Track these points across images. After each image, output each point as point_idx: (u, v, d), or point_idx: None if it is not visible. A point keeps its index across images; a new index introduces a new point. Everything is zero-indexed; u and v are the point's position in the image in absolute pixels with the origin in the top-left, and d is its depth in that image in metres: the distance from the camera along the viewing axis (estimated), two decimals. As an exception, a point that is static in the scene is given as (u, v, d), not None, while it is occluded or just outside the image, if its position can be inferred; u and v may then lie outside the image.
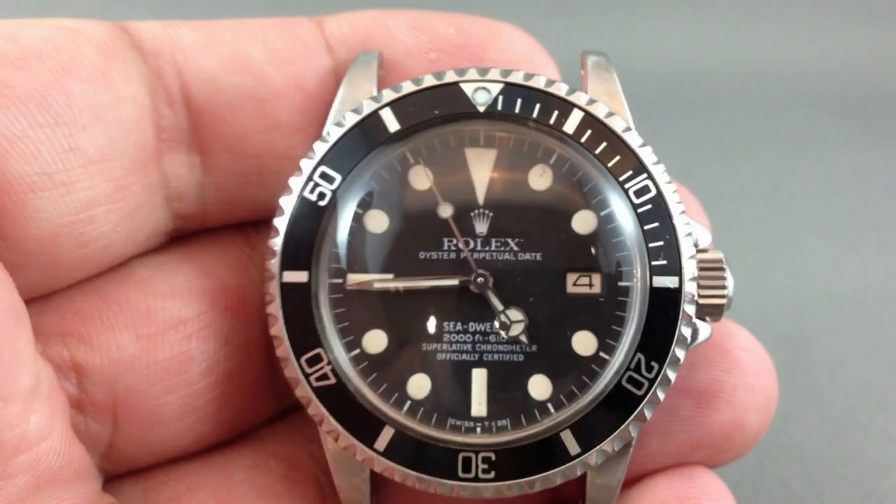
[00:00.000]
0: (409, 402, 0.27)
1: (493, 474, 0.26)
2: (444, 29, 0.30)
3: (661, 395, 0.27)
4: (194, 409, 0.29)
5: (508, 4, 0.63)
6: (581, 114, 0.28)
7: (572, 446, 0.27)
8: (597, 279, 0.28)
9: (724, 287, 0.27)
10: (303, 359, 0.27)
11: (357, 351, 0.28)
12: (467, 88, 0.29)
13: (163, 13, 0.32)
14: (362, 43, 0.30)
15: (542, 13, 0.65)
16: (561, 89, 0.29)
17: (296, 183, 0.28)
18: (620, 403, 0.27)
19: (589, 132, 0.28)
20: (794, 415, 0.42)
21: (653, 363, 0.27)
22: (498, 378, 0.28)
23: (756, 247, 0.51)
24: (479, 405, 0.27)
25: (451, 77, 0.29)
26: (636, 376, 0.27)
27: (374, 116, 0.28)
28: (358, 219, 0.28)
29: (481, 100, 0.28)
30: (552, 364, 0.28)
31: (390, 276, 0.28)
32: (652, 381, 0.27)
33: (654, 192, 0.28)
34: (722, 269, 0.28)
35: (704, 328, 0.28)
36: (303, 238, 0.28)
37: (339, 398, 0.27)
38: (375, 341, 0.28)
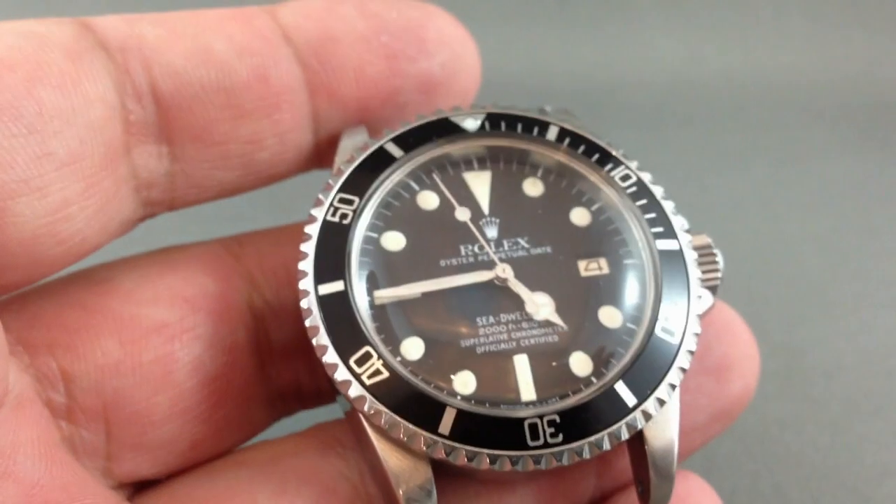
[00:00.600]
0: (458, 398, 0.28)
1: (560, 437, 0.26)
2: (387, 13, 0.32)
3: (693, 344, 0.28)
4: (184, 409, 0.29)
5: (506, 17, 0.63)
6: (557, 127, 0.33)
7: (628, 397, 0.27)
8: (604, 262, 0.31)
9: (716, 262, 0.30)
10: (351, 360, 0.27)
11: (399, 359, 0.28)
12: (457, 119, 0.33)
13: (121, 5, 0.34)
14: (317, 29, 0.31)
15: (538, 25, 0.66)
16: (536, 112, 0.33)
17: (318, 212, 0.30)
18: (660, 352, 0.28)
19: (568, 139, 0.33)
20: (791, 422, 0.42)
21: (678, 314, 0.29)
22: (539, 360, 0.28)
23: (752, 255, 0.51)
24: (527, 390, 0.28)
25: (441, 114, 0.33)
26: (667, 325, 0.28)
27: (380, 149, 0.31)
28: (376, 241, 0.30)
29: (471, 125, 0.33)
30: (587, 340, 0.29)
31: (415, 283, 0.29)
32: (683, 331, 0.28)
33: (635, 178, 0.32)
34: (713, 250, 0.31)
35: (706, 295, 0.30)
36: (332, 254, 0.29)
37: (394, 389, 0.27)
38: (413, 348, 0.28)
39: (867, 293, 0.50)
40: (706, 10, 0.68)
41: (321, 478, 0.29)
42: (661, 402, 0.27)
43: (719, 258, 0.31)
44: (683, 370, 0.28)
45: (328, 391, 0.33)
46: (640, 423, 0.27)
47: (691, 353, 0.28)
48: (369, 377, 0.27)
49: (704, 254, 0.31)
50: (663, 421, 0.28)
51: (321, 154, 0.33)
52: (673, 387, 0.28)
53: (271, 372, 0.32)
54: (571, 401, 0.27)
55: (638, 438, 0.28)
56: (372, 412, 0.26)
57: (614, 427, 0.27)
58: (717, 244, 0.31)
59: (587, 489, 0.31)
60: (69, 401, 0.28)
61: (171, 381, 0.29)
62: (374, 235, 0.30)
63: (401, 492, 0.26)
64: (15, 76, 0.26)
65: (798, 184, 0.58)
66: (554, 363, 0.28)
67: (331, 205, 0.30)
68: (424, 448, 0.26)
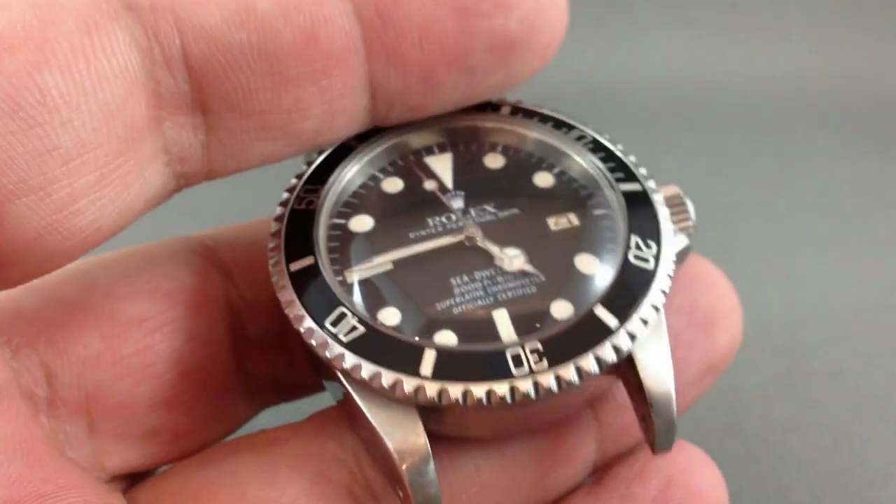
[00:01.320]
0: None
1: (545, 362, 0.26)
2: None
3: (671, 268, 0.28)
4: (165, 399, 0.29)
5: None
6: (510, 105, 0.34)
7: (609, 319, 0.27)
8: (573, 216, 0.31)
9: (686, 208, 0.31)
10: (327, 322, 0.27)
11: (377, 322, 0.28)
12: None
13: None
14: None
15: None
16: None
17: (287, 199, 0.31)
18: (637, 278, 0.28)
19: (521, 114, 0.34)
20: (794, 425, 0.42)
21: (649, 241, 0.29)
22: (519, 312, 0.28)
23: (753, 259, 0.51)
24: (508, 335, 0.27)
25: None
26: (640, 253, 0.28)
27: (342, 143, 0.33)
28: (343, 226, 0.31)
29: None
30: (566, 288, 0.29)
31: (386, 254, 0.29)
32: (657, 258, 0.28)
33: (591, 137, 0.33)
34: (682, 199, 0.32)
35: (681, 237, 0.31)
36: (301, 236, 0.29)
37: (371, 342, 0.27)
38: (390, 316, 0.28)
39: (870, 296, 0.50)
40: (708, 14, 0.68)
41: (314, 463, 0.28)
42: (645, 322, 0.27)
43: (689, 206, 0.31)
44: (665, 293, 0.28)
45: (308, 385, 0.33)
46: (627, 345, 0.26)
47: (670, 277, 0.28)
48: (346, 334, 0.27)
49: (674, 202, 0.31)
50: (655, 349, 0.27)
51: (379, 116, 0.31)
52: (656, 308, 0.27)
53: (248, 365, 0.32)
54: (553, 330, 0.27)
55: (630, 369, 0.27)
56: (351, 367, 0.26)
57: (599, 348, 0.26)
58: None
59: (588, 455, 0.30)
60: (51, 394, 0.28)
61: (151, 373, 0.29)
62: (342, 222, 0.31)
63: (390, 444, 0.25)
64: (14, 61, 0.23)
65: (800, 187, 0.58)
66: (535, 314, 0.28)
67: (297, 195, 0.31)
68: (409, 393, 0.25)
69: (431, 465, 0.25)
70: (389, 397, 0.26)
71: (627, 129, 0.63)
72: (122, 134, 0.25)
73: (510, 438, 0.29)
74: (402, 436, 0.25)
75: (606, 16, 0.68)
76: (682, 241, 0.30)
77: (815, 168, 0.59)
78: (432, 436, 0.26)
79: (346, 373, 0.26)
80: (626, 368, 0.27)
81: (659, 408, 0.27)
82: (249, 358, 0.32)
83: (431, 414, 0.26)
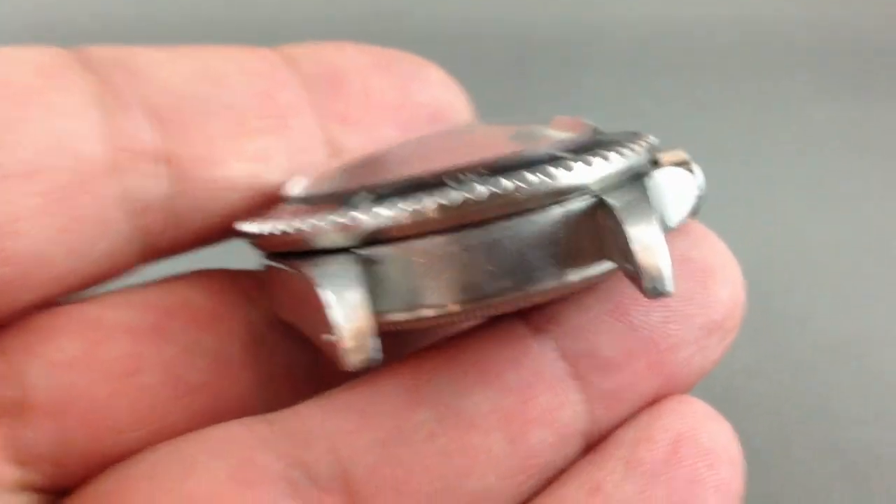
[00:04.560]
0: None
1: (490, 175, 0.22)
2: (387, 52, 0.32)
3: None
4: (151, 416, 0.27)
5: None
6: None
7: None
8: None
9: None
10: None
11: None
12: None
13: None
14: (325, 61, 0.30)
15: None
16: None
17: None
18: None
19: None
20: (759, 369, 0.42)
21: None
22: None
23: (726, 201, 0.51)
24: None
25: None
26: None
27: None
28: None
29: None
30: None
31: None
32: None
33: None
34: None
35: None
36: None
37: None
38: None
39: (843, 239, 0.50)
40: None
41: (236, 449, 0.26)
42: (606, 158, 0.23)
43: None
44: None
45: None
46: (584, 174, 0.23)
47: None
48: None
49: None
50: (634, 201, 0.23)
51: None
52: (621, 154, 0.24)
53: (269, 395, 0.29)
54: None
55: (605, 213, 0.23)
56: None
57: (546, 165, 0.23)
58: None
59: (570, 420, 0.27)
60: (17, 396, 0.26)
61: (134, 384, 0.26)
62: None
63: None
64: None
65: (779, 128, 0.57)
66: None
67: None
68: (344, 222, 0.23)
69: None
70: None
71: (601, 72, 0.62)
72: (73, 165, 0.25)
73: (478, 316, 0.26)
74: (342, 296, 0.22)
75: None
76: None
77: (792, 111, 0.59)
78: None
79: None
80: (601, 217, 0.23)
81: (638, 237, 0.22)
82: (273, 387, 0.29)
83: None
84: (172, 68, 0.28)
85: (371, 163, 0.27)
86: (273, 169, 0.28)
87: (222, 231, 0.29)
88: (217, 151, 0.28)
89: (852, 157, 0.55)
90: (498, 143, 0.26)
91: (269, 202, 0.29)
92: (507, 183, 0.22)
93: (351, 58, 0.31)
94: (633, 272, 0.23)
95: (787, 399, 0.40)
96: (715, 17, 0.65)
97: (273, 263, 0.26)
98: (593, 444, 0.27)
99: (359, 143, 0.30)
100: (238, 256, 0.32)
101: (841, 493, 0.37)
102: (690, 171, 0.28)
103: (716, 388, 0.38)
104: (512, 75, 0.58)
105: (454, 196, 0.22)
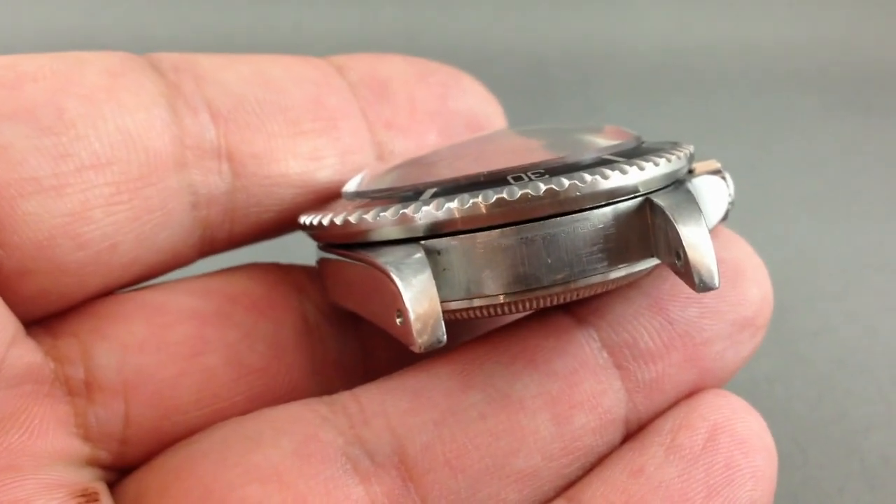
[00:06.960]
0: None
1: (548, 175, 0.24)
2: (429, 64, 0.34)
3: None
4: (214, 397, 0.28)
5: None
6: None
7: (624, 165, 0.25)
8: None
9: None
10: None
11: None
12: None
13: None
14: (369, 68, 0.32)
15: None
16: None
17: None
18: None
19: None
20: (779, 377, 0.42)
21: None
22: None
23: (740, 219, 0.52)
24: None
25: None
26: None
27: None
28: None
29: None
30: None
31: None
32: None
33: None
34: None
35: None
36: None
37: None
38: None
39: (851, 255, 0.51)
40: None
41: (300, 426, 0.27)
42: (657, 164, 0.25)
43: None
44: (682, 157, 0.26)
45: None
46: (637, 175, 0.24)
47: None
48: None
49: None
50: (681, 200, 0.25)
51: None
52: (669, 160, 0.25)
53: (322, 381, 0.31)
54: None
55: (654, 213, 0.25)
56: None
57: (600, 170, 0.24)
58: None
59: (613, 407, 0.28)
60: (88, 377, 0.27)
61: (199, 365, 0.28)
62: None
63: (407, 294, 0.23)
64: (36, 87, 0.25)
65: (785, 149, 0.59)
66: None
67: None
68: (412, 215, 0.24)
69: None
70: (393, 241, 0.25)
71: (615, 96, 0.63)
72: (143, 158, 0.27)
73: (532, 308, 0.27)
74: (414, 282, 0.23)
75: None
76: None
77: (799, 131, 0.60)
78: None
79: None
80: (651, 213, 0.25)
81: (688, 235, 0.24)
82: (324, 373, 0.31)
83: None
84: (232, 73, 0.30)
85: (420, 163, 0.28)
86: (325, 168, 0.30)
87: (276, 226, 0.31)
88: (274, 150, 0.29)
89: (859, 173, 0.56)
90: (548, 146, 0.27)
91: (322, 199, 0.30)
92: (565, 181, 0.23)
93: (395, 67, 0.33)
94: (681, 268, 0.24)
95: (807, 404, 0.41)
96: (726, 42, 0.66)
97: (332, 255, 0.27)
98: (633, 433, 0.28)
99: (404, 146, 0.32)
100: (284, 253, 0.33)
101: (857, 494, 0.38)
102: (724, 178, 0.30)
103: (739, 394, 0.40)
104: (535, 94, 0.59)
105: (515, 191, 0.23)
